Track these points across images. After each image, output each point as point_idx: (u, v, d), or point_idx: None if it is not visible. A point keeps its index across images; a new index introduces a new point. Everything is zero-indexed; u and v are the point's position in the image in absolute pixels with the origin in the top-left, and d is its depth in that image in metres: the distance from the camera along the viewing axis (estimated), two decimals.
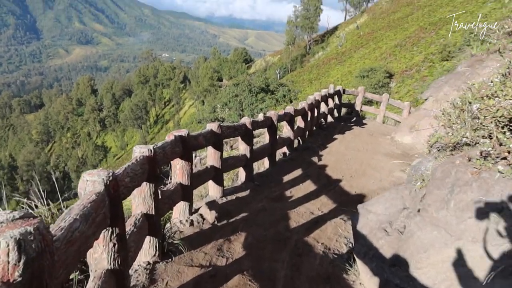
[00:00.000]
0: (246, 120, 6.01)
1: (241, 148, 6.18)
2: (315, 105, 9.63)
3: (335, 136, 10.15)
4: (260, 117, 6.61)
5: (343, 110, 14.74)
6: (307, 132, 9.44)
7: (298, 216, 5.25)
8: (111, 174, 2.19)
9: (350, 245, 4.49)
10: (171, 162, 4.23)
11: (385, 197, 3.88)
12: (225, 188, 5.78)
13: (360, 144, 9.67)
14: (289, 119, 7.86)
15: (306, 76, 67.59)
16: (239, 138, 6.14)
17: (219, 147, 5.25)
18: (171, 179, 4.51)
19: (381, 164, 8.26)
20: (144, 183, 3.13)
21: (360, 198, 6.37)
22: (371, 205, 3.90)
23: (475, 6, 50.50)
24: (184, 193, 4.33)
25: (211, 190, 5.45)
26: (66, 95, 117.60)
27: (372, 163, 8.28)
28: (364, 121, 14.13)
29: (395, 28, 63.27)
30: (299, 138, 8.86)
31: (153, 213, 3.23)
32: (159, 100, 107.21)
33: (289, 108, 7.85)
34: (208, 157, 5.30)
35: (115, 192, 2.20)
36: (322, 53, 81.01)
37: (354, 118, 14.07)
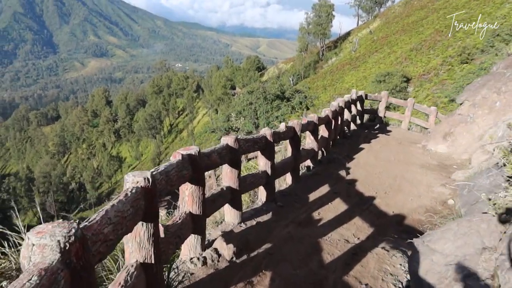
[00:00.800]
0: (266, 132, 5.21)
1: (260, 163, 5.38)
2: (339, 112, 8.79)
3: (361, 146, 9.26)
4: (282, 127, 5.80)
5: (365, 117, 13.84)
6: (330, 142, 8.59)
7: (332, 246, 4.39)
8: (73, 231, 1.39)
9: (400, 287, 3.61)
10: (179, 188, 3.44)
11: (453, 230, 3.01)
12: (243, 211, 4.97)
13: (390, 154, 8.76)
14: (313, 128, 7.03)
15: (320, 83, 66.72)
16: (258, 152, 5.34)
17: (236, 165, 4.45)
18: (178, 207, 3.71)
19: (417, 177, 7.34)
20: (140, 223, 2.35)
21: (400, 220, 5.48)
22: (435, 242, 3.03)
23: (492, 8, 49.11)
24: (195, 224, 3.54)
25: (228, 215, 4.65)
26: (82, 107, 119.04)
27: (407, 176, 7.36)
28: (388, 128, 13.19)
29: (410, 32, 61.99)
30: (322, 149, 8.02)
31: (153, 262, 2.43)
32: (173, 110, 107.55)
33: (312, 116, 7.03)
34: (224, 177, 4.50)
35: (80, 260, 1.41)
36: (335, 59, 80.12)
37: (378, 125, 13.15)
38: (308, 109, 21.25)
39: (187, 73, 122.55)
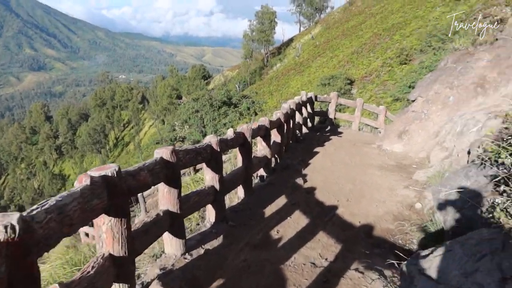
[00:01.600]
0: (211, 140, 4.39)
1: (207, 177, 4.54)
2: (291, 114, 8.17)
3: (316, 149, 8.70)
4: (230, 133, 5.01)
5: (316, 119, 13.41)
6: (283, 147, 7.93)
7: (297, 274, 3.64)
8: None
9: None
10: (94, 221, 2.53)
11: (455, 251, 2.36)
12: (188, 238, 4.10)
13: (346, 157, 8.26)
14: (264, 133, 6.32)
15: (266, 88, 66.91)
16: (204, 164, 4.51)
17: (175, 183, 3.59)
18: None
19: (377, 180, 6.84)
20: None
21: (368, 231, 4.87)
22: (434, 267, 2.36)
23: (424, 11, 51.81)
24: (119, 270, 2.64)
25: (168, 245, 3.77)
26: (18, 124, 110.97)
27: (367, 180, 6.84)
28: (339, 130, 12.84)
29: (350, 36, 63.96)
30: (275, 155, 7.33)
31: None
32: (118, 123, 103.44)
33: (264, 120, 6.31)
34: (160, 199, 3.62)
35: None
36: (280, 64, 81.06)
37: (329, 127, 12.75)
38: (256, 114, 20.68)
39: (131, 84, 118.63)
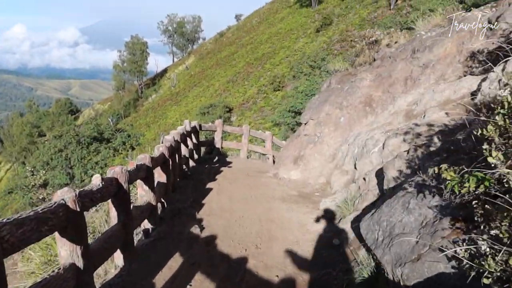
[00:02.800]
0: (66, 197, 2.92)
1: (62, 253, 3.02)
2: (176, 147, 6.91)
3: (208, 185, 7.53)
4: (96, 182, 3.55)
5: (202, 149, 12.32)
6: (171, 188, 6.60)
7: None
8: None
9: None
10: None
11: None
12: None
13: (244, 191, 7.28)
14: (146, 174, 4.95)
15: (142, 121, 63.93)
16: (56, 234, 2.99)
17: None
18: None
19: (284, 215, 5.99)
20: None
21: (290, 286, 3.86)
22: None
23: (289, 42, 55.83)
24: None
25: None
26: None
27: (273, 216, 5.93)
28: (228, 159, 11.94)
29: (224, 66, 65.42)
30: (162, 199, 5.97)
31: None
32: None
33: (143, 158, 4.95)
34: None
35: None
36: (156, 95, 78.81)
37: (216, 157, 11.75)
38: (133, 149, 18.69)
39: None
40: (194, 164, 9.90)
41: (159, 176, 6.03)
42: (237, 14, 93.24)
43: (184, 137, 8.38)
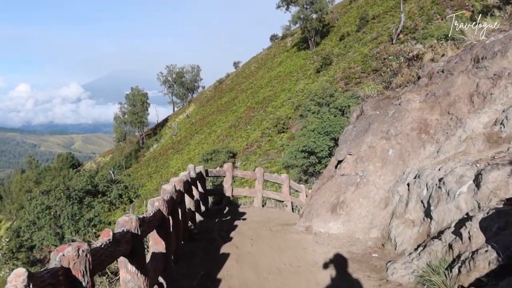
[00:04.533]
0: None
1: None
2: (178, 200, 5.10)
3: (223, 249, 5.56)
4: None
5: (210, 200, 10.45)
6: (171, 257, 4.72)
7: None
8: None
9: None
10: None
11: None
12: None
13: (272, 256, 5.30)
14: (131, 246, 3.11)
15: (144, 171, 62.38)
16: None
17: None
18: None
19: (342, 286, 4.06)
20: None
21: None
22: None
23: (290, 84, 55.40)
24: None
25: None
26: None
27: None
28: (240, 210, 10.02)
29: (225, 111, 64.74)
30: (160, 278, 4.08)
31: None
32: None
33: (126, 221, 3.12)
34: None
35: None
36: (157, 145, 77.85)
37: (227, 208, 9.86)
38: (131, 201, 16.78)
39: None
40: (202, 219, 8.00)
41: (155, 244, 4.17)
42: (235, 61, 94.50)
43: (188, 185, 6.57)
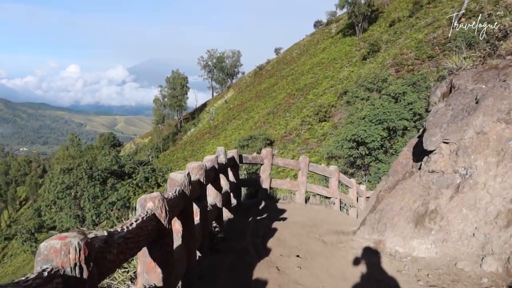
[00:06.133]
0: None
1: None
2: (194, 195, 3.36)
3: (257, 273, 3.66)
4: None
5: (243, 191, 8.72)
6: (183, 275, 3.02)
7: None
8: None
9: None
10: None
11: None
12: None
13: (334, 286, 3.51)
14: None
15: (180, 154, 62.13)
16: None
17: None
18: None
19: None
20: None
21: None
22: None
23: (333, 72, 52.75)
24: None
25: None
26: None
27: None
28: (280, 206, 8.25)
29: (264, 98, 63.10)
30: None
31: None
32: (13, 201, 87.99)
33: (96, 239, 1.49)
34: None
35: None
36: (194, 129, 77.54)
37: (263, 203, 8.09)
38: (159, 186, 15.36)
39: (29, 157, 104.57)
40: (231, 216, 6.29)
41: (146, 272, 2.45)
42: (276, 48, 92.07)
43: (214, 173, 4.82)
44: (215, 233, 4.92)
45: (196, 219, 3.84)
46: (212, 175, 4.68)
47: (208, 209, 4.33)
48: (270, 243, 4.79)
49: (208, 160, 4.80)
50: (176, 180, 3.14)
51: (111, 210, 13.17)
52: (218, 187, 5.14)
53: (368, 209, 5.65)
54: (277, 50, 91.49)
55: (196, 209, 3.82)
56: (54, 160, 75.94)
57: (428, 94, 16.61)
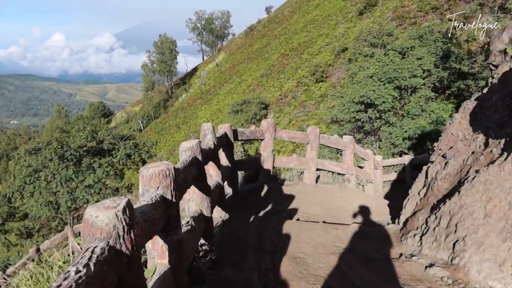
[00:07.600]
0: None
1: None
2: (156, 225, 1.76)
3: None
4: None
5: (239, 175, 7.06)
6: None
7: None
8: None
9: None
10: None
11: None
12: None
13: None
14: None
15: (172, 122, 60.25)
16: None
17: None
18: None
19: None
20: None
21: None
22: None
23: (328, 29, 50.32)
24: None
25: None
26: None
27: None
28: (285, 189, 6.64)
29: (256, 59, 60.71)
30: None
31: None
32: (5, 175, 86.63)
33: None
34: None
35: None
36: (186, 95, 75.19)
37: (265, 188, 6.46)
38: (144, 162, 13.59)
39: (18, 130, 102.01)
40: (225, 217, 4.65)
41: None
42: (267, 6, 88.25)
43: (197, 169, 3.11)
44: (203, 254, 3.27)
45: (163, 262, 2.17)
46: (194, 172, 2.98)
47: (188, 231, 2.66)
48: (283, 268, 3.20)
49: (187, 149, 3.08)
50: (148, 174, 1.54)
51: (90, 195, 11.57)
52: (204, 187, 3.45)
53: (414, 202, 4.02)
54: (268, 9, 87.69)
55: (161, 246, 2.14)
56: (44, 132, 73.76)
57: (439, 46, 14.17)
